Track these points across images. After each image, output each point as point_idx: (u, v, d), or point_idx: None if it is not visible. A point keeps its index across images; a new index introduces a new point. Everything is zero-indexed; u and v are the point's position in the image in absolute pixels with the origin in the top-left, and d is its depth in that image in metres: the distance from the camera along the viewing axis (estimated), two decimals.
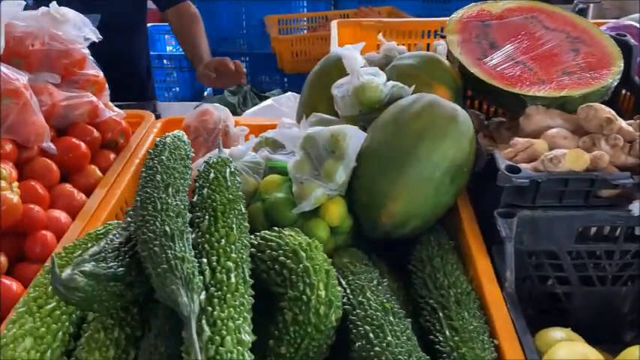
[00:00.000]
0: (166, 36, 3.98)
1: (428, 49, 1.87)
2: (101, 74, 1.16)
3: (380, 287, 0.75)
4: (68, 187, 0.99)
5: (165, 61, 3.58)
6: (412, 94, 0.97)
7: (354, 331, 0.69)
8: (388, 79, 1.02)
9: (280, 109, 1.51)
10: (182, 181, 0.74)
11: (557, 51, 1.03)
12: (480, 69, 1.01)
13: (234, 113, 1.44)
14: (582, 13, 3.23)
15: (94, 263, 0.62)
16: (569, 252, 0.87)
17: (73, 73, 1.10)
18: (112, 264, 0.64)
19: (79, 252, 0.74)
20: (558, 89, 0.95)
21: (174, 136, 0.81)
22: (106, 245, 0.67)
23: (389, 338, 0.65)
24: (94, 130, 1.09)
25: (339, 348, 0.70)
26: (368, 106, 0.98)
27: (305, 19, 3.44)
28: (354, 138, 0.86)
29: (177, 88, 3.68)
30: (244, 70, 2.06)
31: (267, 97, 1.93)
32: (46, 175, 0.96)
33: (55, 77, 1.05)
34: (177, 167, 0.75)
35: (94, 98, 1.11)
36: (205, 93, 3.93)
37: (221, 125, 1.17)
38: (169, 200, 0.68)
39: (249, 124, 1.23)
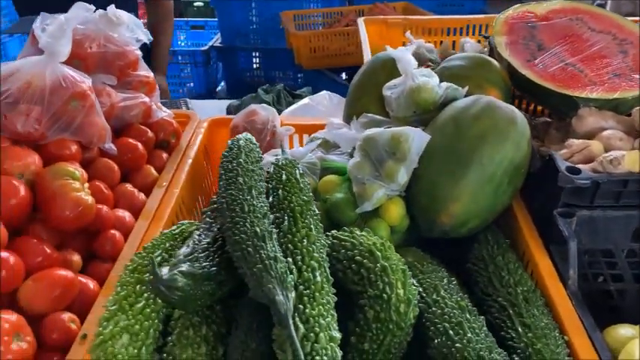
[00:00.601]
0: (178, 31, 4.00)
1: (453, 47, 1.89)
2: (151, 75, 1.18)
3: (451, 285, 0.77)
4: (129, 186, 1.01)
5: (179, 56, 3.60)
6: (466, 95, 1.00)
7: (432, 328, 0.71)
8: (441, 81, 1.04)
9: (317, 107, 1.53)
10: (260, 183, 0.76)
11: (606, 53, 1.05)
12: (531, 71, 1.04)
13: None
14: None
15: (189, 264, 0.65)
16: (624, 250, 0.90)
17: (127, 74, 1.12)
18: (204, 264, 0.66)
19: (159, 252, 0.77)
20: (611, 91, 0.97)
21: (246, 139, 0.83)
22: (195, 246, 0.69)
23: (469, 335, 0.68)
24: (149, 131, 1.11)
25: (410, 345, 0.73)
26: (423, 107, 1.00)
27: (320, 14, 3.46)
28: (416, 140, 0.88)
29: (192, 84, 3.69)
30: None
31: (298, 95, 1.95)
32: (108, 175, 0.99)
33: (112, 79, 1.07)
34: (254, 170, 0.77)
35: (147, 99, 1.13)
36: (218, 88, 3.96)
37: (269, 125, 1.19)
38: (254, 202, 0.70)
39: (294, 123, 1.25)
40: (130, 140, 1.06)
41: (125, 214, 0.96)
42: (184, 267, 0.64)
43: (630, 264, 0.90)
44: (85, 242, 0.90)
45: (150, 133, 1.11)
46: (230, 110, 1.99)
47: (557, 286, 0.81)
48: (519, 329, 0.73)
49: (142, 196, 1.02)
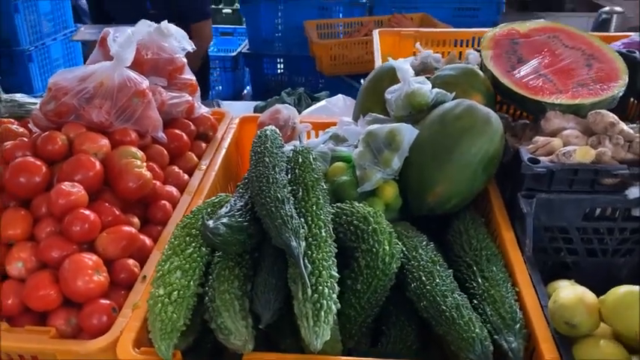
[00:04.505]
0: None
1: (460, 57, 2.10)
2: (194, 78, 1.42)
3: (428, 247, 0.98)
4: (175, 168, 1.24)
5: (210, 61, 3.84)
6: (453, 99, 1.20)
7: (410, 276, 0.92)
8: (433, 87, 1.24)
9: (332, 108, 1.75)
10: (282, 163, 0.98)
11: (574, 66, 1.25)
12: (509, 80, 1.24)
13: None
14: (605, 22, 3.43)
15: (227, 218, 0.87)
16: (578, 228, 1.09)
17: (175, 77, 1.36)
18: (239, 219, 0.88)
19: (205, 212, 0.99)
20: (573, 98, 1.17)
21: (272, 130, 1.06)
22: (232, 207, 0.91)
23: (437, 280, 0.89)
24: (191, 124, 1.35)
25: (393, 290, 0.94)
26: (417, 108, 1.21)
27: (341, 24, 3.67)
28: (407, 134, 1.10)
29: (221, 87, 3.96)
30: None
31: (317, 98, 2.17)
32: (160, 158, 1.22)
33: (163, 81, 1.31)
34: (277, 153, 0.99)
35: (191, 98, 1.36)
36: (244, 92, 4.21)
37: (290, 122, 1.41)
38: (277, 176, 0.92)
39: (311, 121, 1.47)
40: (177, 131, 1.29)
41: (173, 189, 1.19)
42: (225, 220, 0.87)
43: (583, 240, 1.10)
44: (141, 210, 1.13)
45: (192, 126, 1.35)
46: (256, 110, 2.22)
47: (515, 252, 1.01)
48: (479, 280, 0.93)
49: (185, 176, 1.25)
